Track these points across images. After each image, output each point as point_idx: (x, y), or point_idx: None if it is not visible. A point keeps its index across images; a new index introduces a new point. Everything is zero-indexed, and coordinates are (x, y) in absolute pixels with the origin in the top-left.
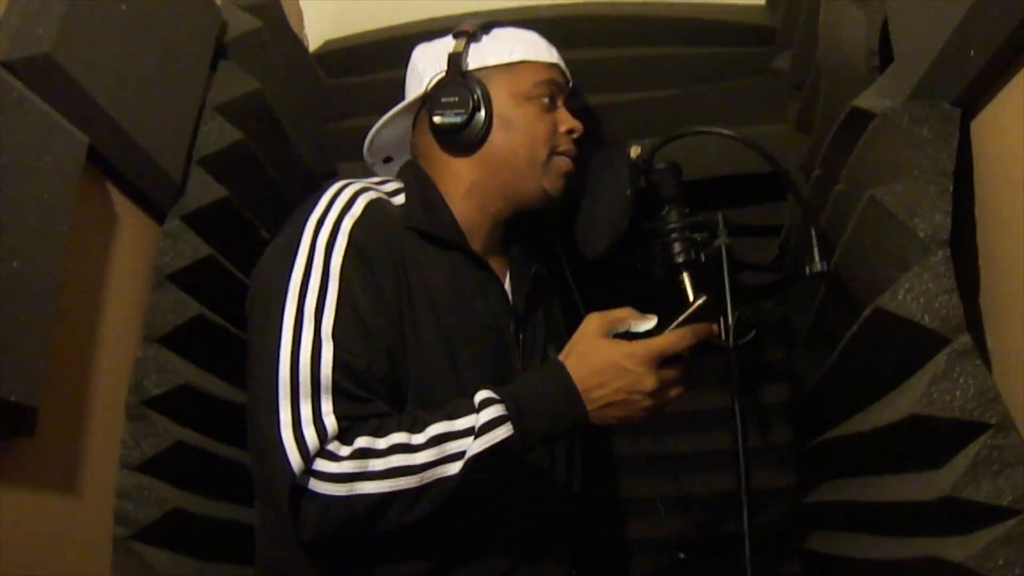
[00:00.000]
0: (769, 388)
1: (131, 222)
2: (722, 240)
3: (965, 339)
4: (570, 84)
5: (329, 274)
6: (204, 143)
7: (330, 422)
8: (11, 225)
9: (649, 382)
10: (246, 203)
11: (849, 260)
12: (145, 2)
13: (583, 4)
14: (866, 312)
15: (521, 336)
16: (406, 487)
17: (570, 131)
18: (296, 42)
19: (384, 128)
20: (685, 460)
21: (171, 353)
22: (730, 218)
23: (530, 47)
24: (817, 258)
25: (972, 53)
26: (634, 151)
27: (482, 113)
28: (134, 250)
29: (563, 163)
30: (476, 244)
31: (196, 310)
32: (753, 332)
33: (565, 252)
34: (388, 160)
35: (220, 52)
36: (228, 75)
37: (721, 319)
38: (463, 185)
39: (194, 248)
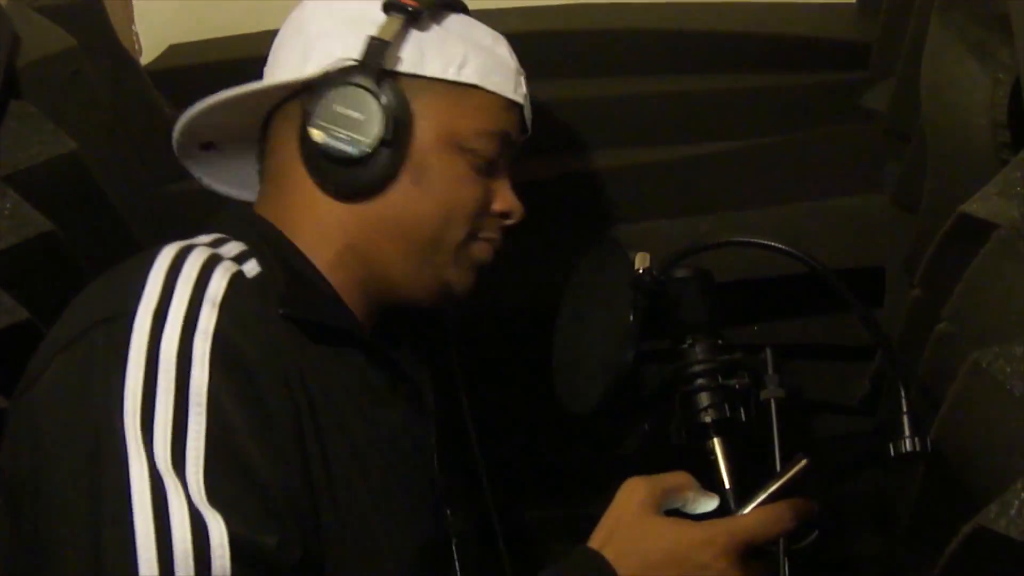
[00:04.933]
0: None
1: None
2: (771, 391)
3: None
4: (527, 134)
5: (189, 401)
6: None
7: None
8: None
9: None
10: (54, 323)
11: (952, 435)
12: None
13: (591, 5)
14: (965, 529)
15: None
16: None
17: (504, 214)
18: (124, 59)
19: (221, 107)
20: None
21: None
22: (791, 337)
23: (493, 67)
24: (907, 430)
25: None
26: (640, 260)
27: (390, 151)
28: None
29: (482, 252)
30: (366, 325)
31: None
32: (815, 534)
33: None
34: (208, 147)
35: (11, 85)
36: (24, 126)
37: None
38: (331, 246)
39: None
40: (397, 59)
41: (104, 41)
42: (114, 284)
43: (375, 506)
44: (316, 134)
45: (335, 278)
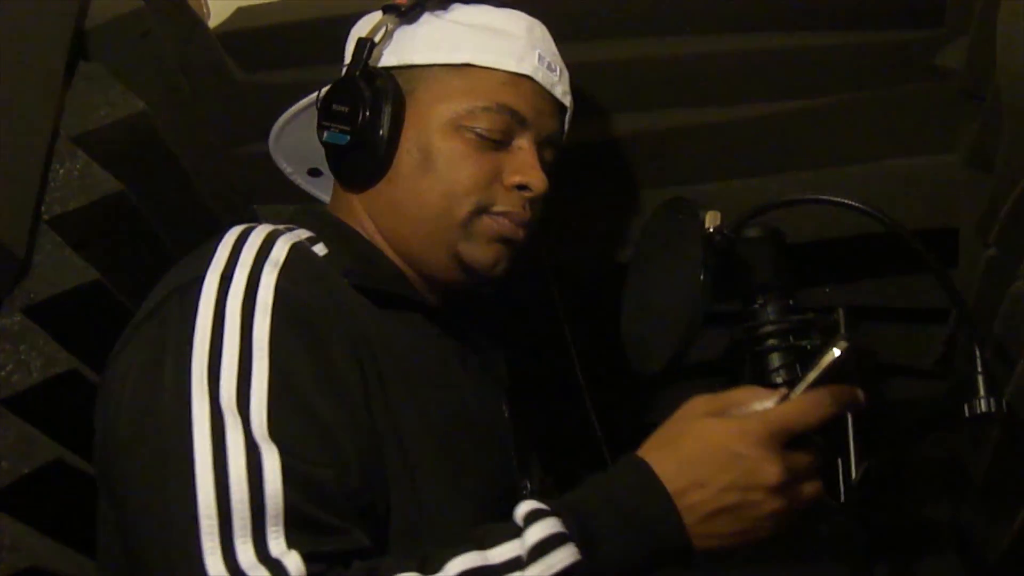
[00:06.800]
0: (931, 557)
1: None
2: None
3: None
4: (567, 110)
5: (252, 348)
6: (59, 196)
7: (292, 564)
8: None
9: (772, 471)
10: (124, 283)
11: None
12: None
13: None
14: None
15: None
16: None
17: (521, 186)
18: (192, 21)
19: (297, 126)
20: None
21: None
22: (864, 298)
23: (489, 44)
24: (982, 391)
25: None
26: (711, 219)
27: (378, 133)
28: None
29: (495, 225)
30: (432, 299)
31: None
32: (866, 465)
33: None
34: (316, 173)
35: (78, 47)
36: (93, 87)
37: (839, 464)
38: (372, 233)
39: (46, 358)
40: (385, 54)
41: (173, 3)
42: (187, 262)
43: (442, 458)
44: (320, 133)
45: (397, 260)
